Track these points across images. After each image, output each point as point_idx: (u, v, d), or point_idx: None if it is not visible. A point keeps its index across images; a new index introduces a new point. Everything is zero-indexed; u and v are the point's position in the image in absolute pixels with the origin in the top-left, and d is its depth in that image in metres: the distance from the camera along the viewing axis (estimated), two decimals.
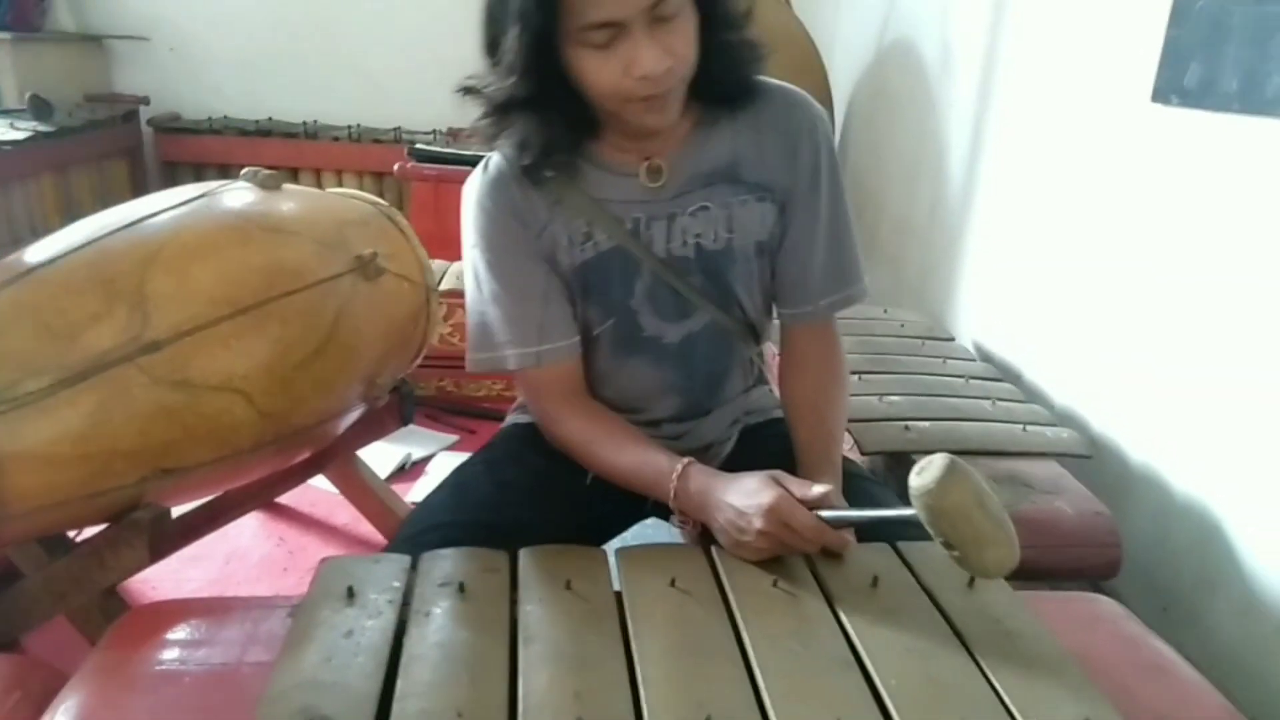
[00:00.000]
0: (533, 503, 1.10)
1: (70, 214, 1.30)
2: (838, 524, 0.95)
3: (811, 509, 0.93)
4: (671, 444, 1.17)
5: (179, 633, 0.91)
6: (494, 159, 1.08)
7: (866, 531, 1.02)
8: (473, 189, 1.08)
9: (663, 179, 1.07)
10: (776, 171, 1.09)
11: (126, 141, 3.71)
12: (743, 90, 1.06)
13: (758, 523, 0.93)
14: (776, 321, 1.21)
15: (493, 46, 0.97)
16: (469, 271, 1.10)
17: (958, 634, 0.89)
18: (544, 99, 0.97)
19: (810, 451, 1.12)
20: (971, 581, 0.98)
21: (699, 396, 1.18)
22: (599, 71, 0.94)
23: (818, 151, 1.10)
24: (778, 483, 0.95)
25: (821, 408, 1.14)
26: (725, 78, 1.03)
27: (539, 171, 1.03)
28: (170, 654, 0.88)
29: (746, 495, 0.95)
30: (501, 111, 1.00)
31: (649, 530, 1.24)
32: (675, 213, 1.08)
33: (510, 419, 1.29)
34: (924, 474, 0.87)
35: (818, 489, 0.93)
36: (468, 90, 1.02)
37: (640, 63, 0.92)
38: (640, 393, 1.17)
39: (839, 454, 1.12)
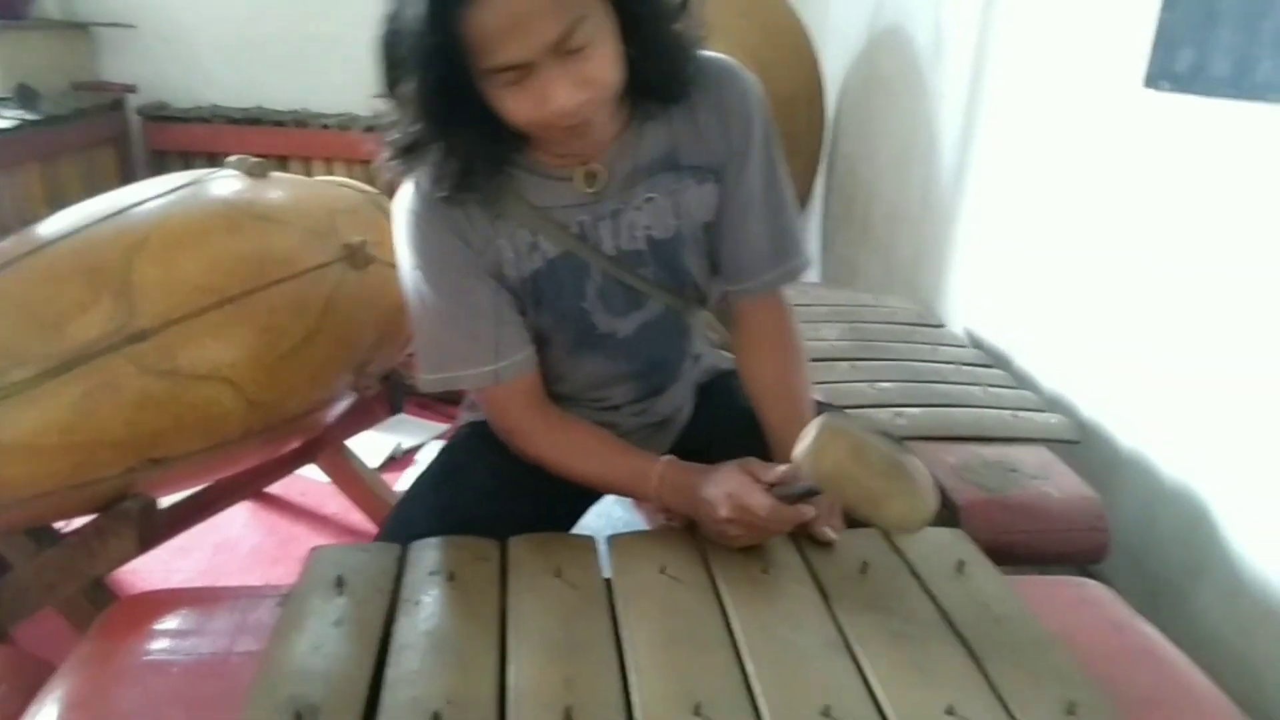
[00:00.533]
0: (494, 499, 1.09)
1: (57, 203, 1.29)
2: (794, 498, 0.93)
3: (777, 488, 0.93)
4: (634, 420, 1.20)
5: (167, 623, 0.91)
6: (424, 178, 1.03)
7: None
8: (407, 209, 1.02)
9: (599, 184, 1.04)
10: (713, 149, 1.07)
11: (114, 130, 3.67)
12: (677, 82, 1.01)
13: (721, 510, 0.95)
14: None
15: (392, 91, 0.92)
16: (412, 293, 1.05)
17: (946, 619, 0.89)
18: (452, 132, 0.93)
19: (785, 433, 1.10)
20: (961, 566, 0.98)
21: (655, 379, 1.19)
22: (515, 108, 0.90)
23: (749, 122, 1.06)
24: (743, 470, 0.95)
25: (789, 388, 1.14)
26: (658, 75, 0.98)
27: (458, 198, 0.99)
28: (159, 644, 0.88)
29: (713, 484, 0.97)
30: (409, 151, 0.95)
31: (613, 508, 1.25)
32: (620, 209, 1.05)
33: (465, 418, 1.27)
34: (801, 443, 0.87)
35: (778, 469, 0.93)
36: (372, 129, 0.98)
37: (553, 99, 0.88)
38: (597, 384, 1.17)
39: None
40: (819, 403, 1.18)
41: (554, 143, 0.98)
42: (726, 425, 1.19)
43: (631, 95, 0.99)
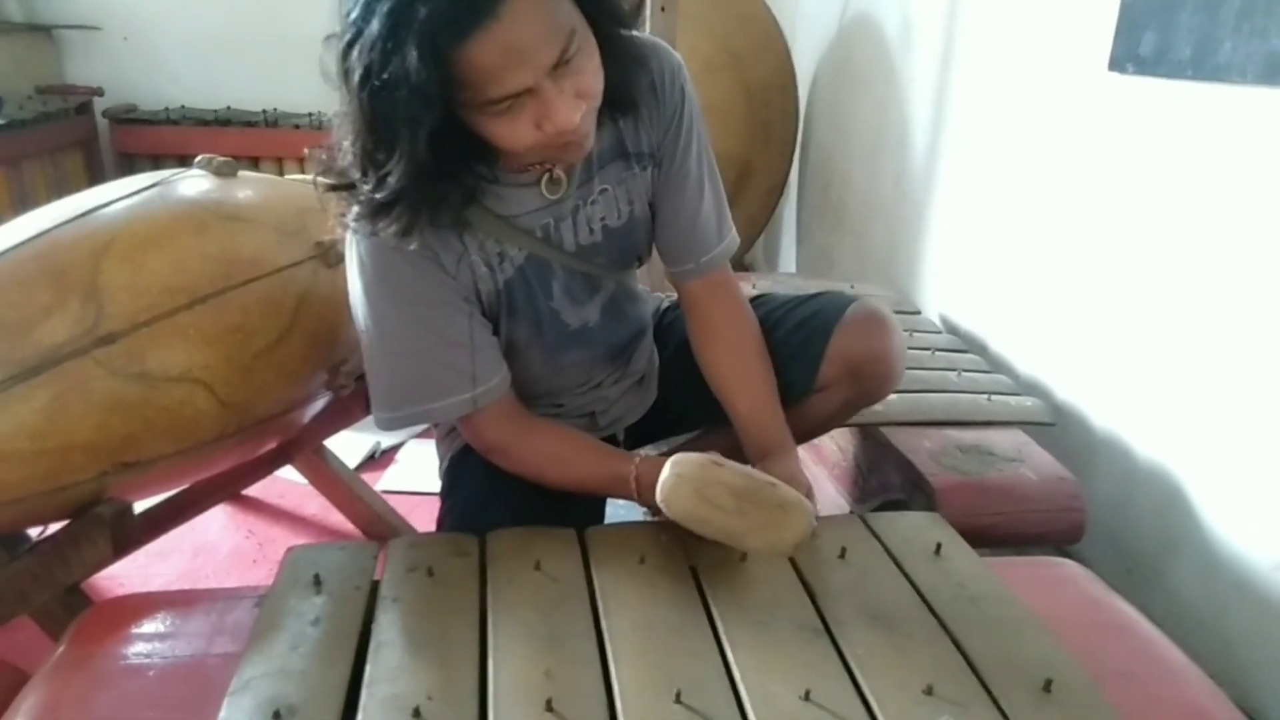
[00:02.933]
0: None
1: (24, 208, 1.27)
2: None
3: None
4: (618, 388, 1.25)
5: (143, 626, 0.91)
6: None
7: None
8: (367, 251, 0.98)
9: (563, 187, 1.04)
10: (649, 136, 1.08)
11: (81, 134, 3.62)
12: (635, 88, 1.01)
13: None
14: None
15: (375, 155, 0.87)
16: (367, 332, 1.01)
17: (925, 601, 0.90)
18: (434, 184, 0.89)
19: (754, 424, 1.14)
20: (938, 549, 0.99)
21: (625, 346, 1.24)
22: (509, 134, 0.88)
23: (681, 102, 1.07)
24: (714, 465, 0.94)
25: (749, 376, 1.16)
26: (622, 84, 0.97)
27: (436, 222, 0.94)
28: (135, 648, 0.87)
29: (671, 462, 0.96)
30: (380, 210, 0.90)
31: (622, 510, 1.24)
32: (579, 205, 1.06)
33: (448, 455, 1.24)
34: (658, 486, 0.89)
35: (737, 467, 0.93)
36: (333, 189, 0.93)
37: (554, 118, 0.86)
38: (582, 374, 1.20)
39: (780, 415, 1.15)
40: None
41: (550, 163, 0.98)
42: (691, 362, 1.21)
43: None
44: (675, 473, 0.88)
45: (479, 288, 1.04)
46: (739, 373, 1.16)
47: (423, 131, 0.83)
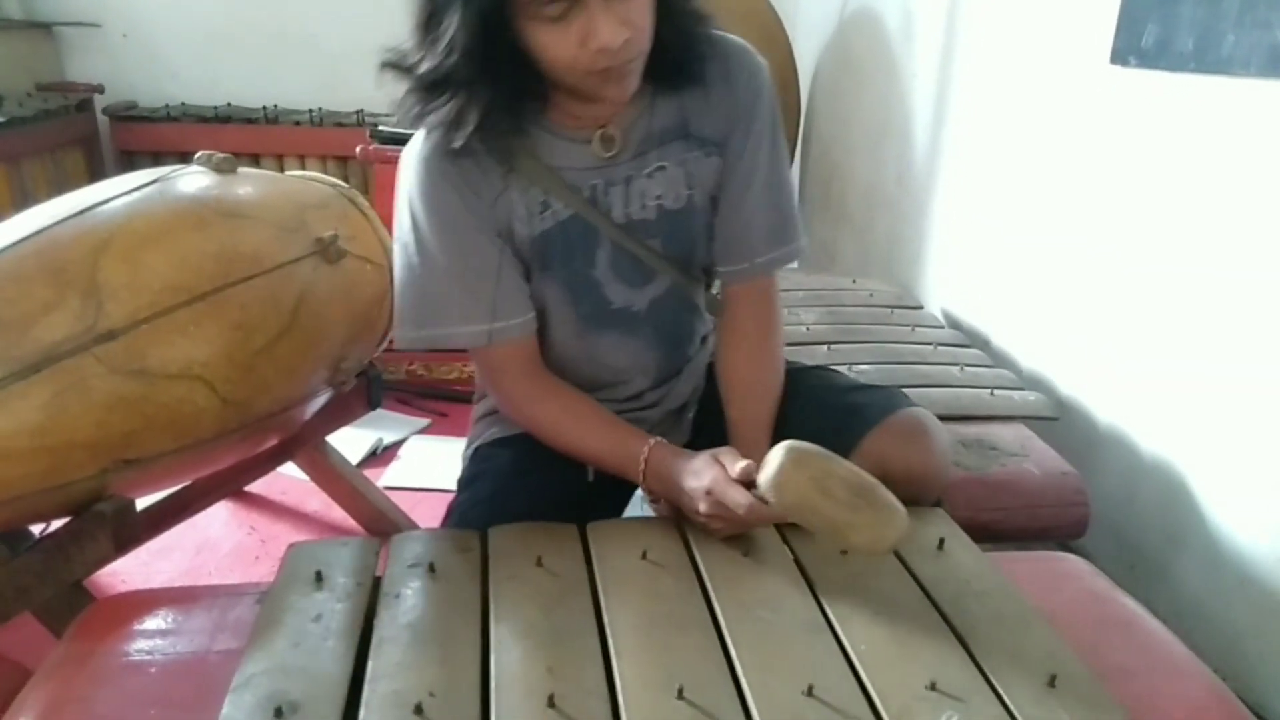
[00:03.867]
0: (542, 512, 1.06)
1: (24, 206, 1.26)
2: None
3: (749, 485, 0.91)
4: (651, 412, 1.20)
5: (145, 623, 0.90)
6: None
7: None
8: (416, 158, 1.02)
9: (615, 147, 1.05)
10: (721, 123, 1.08)
11: (81, 131, 3.62)
12: (692, 56, 1.03)
13: (701, 506, 0.95)
14: None
15: (430, 22, 0.92)
16: (403, 245, 1.04)
17: (928, 596, 0.90)
18: (483, 76, 0.92)
19: (741, 429, 1.12)
20: (941, 544, 0.98)
21: (671, 358, 1.19)
22: (554, 45, 0.90)
23: (757, 100, 1.09)
24: (718, 461, 0.94)
25: (752, 384, 1.14)
26: (676, 46, 1.00)
27: (472, 148, 0.98)
28: (137, 645, 0.87)
29: (692, 476, 0.96)
30: (432, 90, 0.94)
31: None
32: (632, 175, 1.07)
33: (475, 442, 1.23)
34: (764, 471, 0.87)
35: (741, 465, 0.92)
36: (390, 65, 0.97)
37: (597, 35, 0.88)
38: (617, 366, 1.16)
39: (770, 428, 1.12)
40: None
41: (584, 95, 0.97)
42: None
43: (647, 68, 1.00)
44: (793, 459, 0.85)
45: (514, 229, 1.05)
46: (748, 379, 1.14)
47: (474, 12, 0.88)
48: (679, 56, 1.01)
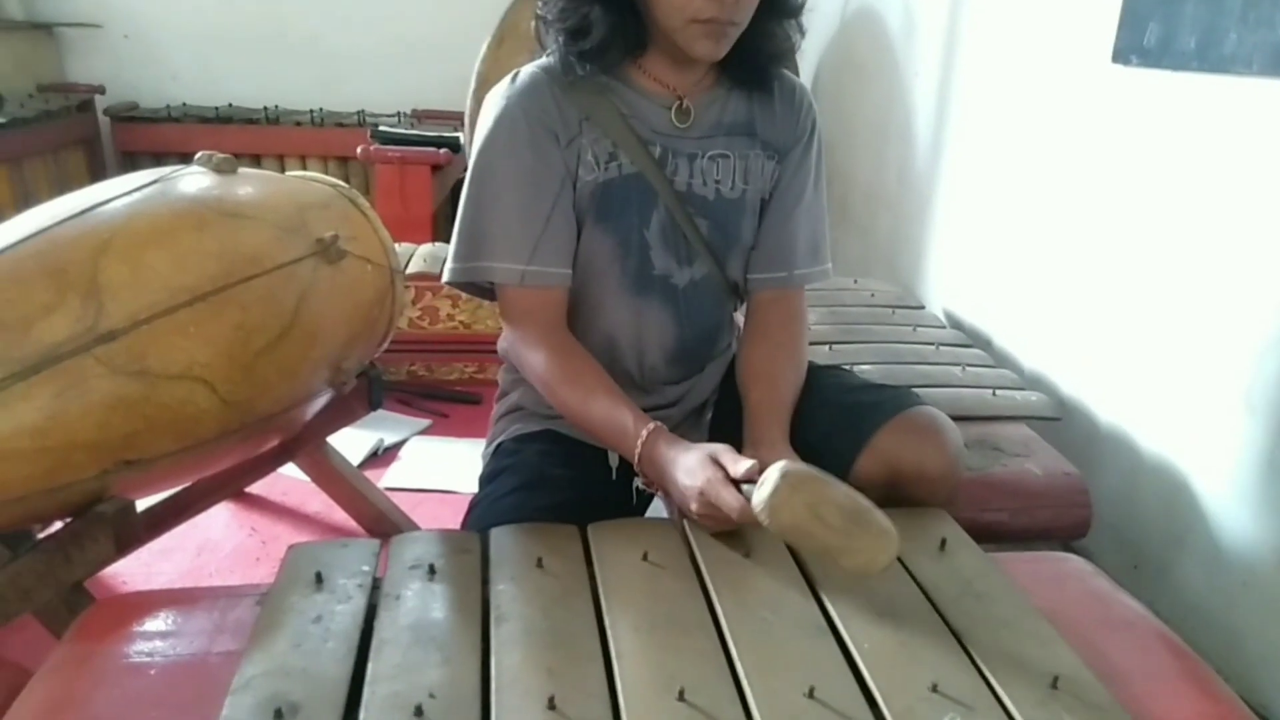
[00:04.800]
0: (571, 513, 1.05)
1: (25, 207, 1.26)
2: None
3: (747, 482, 0.90)
4: (673, 410, 1.22)
5: (145, 624, 0.90)
6: (525, 70, 1.10)
7: None
8: (502, 94, 1.09)
9: (690, 120, 1.12)
10: (782, 135, 1.17)
11: (83, 132, 3.63)
12: (771, 64, 1.13)
13: (693, 505, 0.95)
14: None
15: None
16: (477, 172, 1.10)
17: (929, 597, 0.89)
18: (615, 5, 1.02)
19: (760, 413, 1.11)
20: (943, 545, 0.98)
21: (697, 348, 1.22)
22: None
23: (814, 130, 1.19)
24: (714, 461, 0.94)
25: (774, 374, 1.15)
26: (763, 48, 1.09)
27: (588, 63, 1.05)
28: (136, 646, 0.87)
29: (686, 474, 0.96)
30: (579, 23, 1.03)
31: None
32: (697, 153, 1.13)
33: (497, 439, 1.24)
34: (759, 491, 0.86)
35: (743, 465, 0.91)
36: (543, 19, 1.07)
37: None
38: (649, 335, 1.18)
39: (788, 418, 1.12)
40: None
41: (677, 48, 1.04)
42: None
43: (729, 63, 1.09)
44: (789, 484, 0.85)
45: (579, 174, 1.10)
46: (770, 369, 1.15)
47: None
48: (762, 61, 1.12)
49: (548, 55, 1.11)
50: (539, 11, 1.09)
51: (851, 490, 0.88)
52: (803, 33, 1.14)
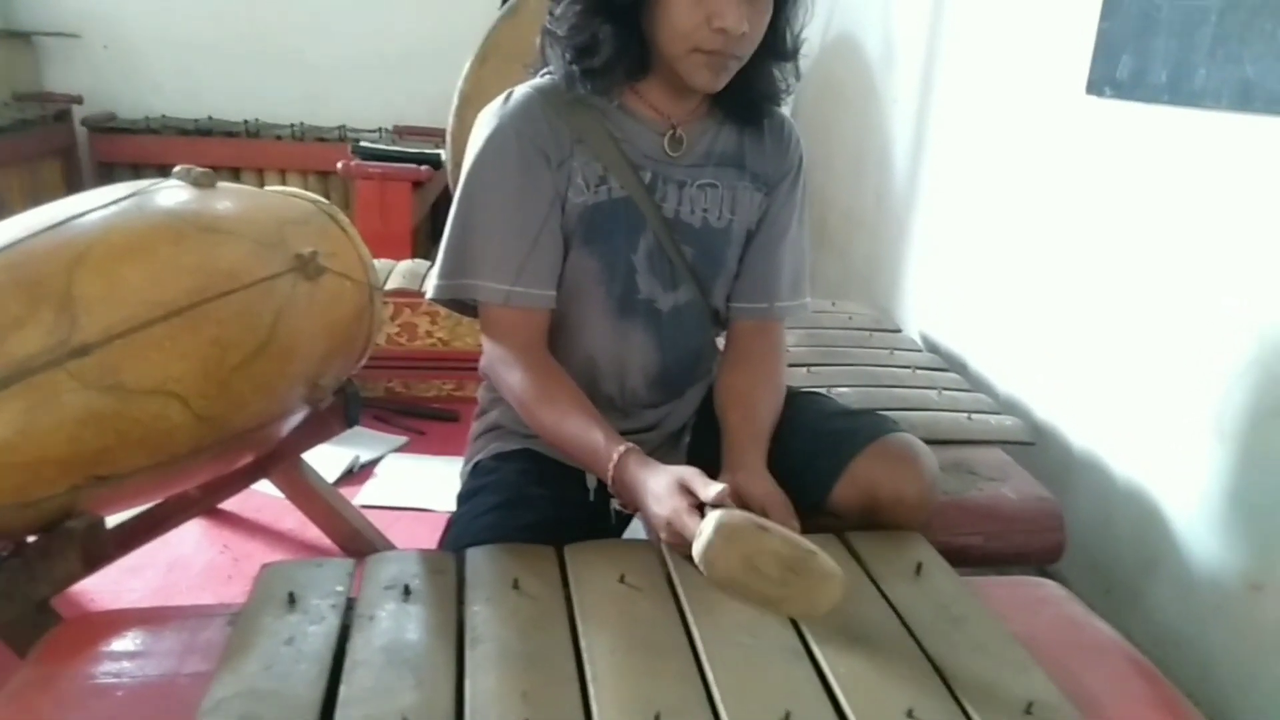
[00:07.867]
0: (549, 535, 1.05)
1: (0, 218, 1.25)
2: None
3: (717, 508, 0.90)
4: (651, 435, 1.22)
5: (113, 644, 0.89)
6: (518, 90, 1.11)
7: (811, 520, 1.02)
8: (494, 113, 1.09)
9: (682, 149, 1.13)
10: (771, 169, 1.19)
11: (60, 142, 3.60)
12: (765, 101, 1.15)
13: (662, 534, 0.96)
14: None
15: None
16: (462, 194, 1.10)
17: (904, 622, 0.90)
18: (620, 19, 1.03)
19: (738, 437, 1.12)
20: (919, 569, 0.99)
21: (678, 373, 1.23)
22: (684, 13, 1.00)
23: (801, 168, 1.21)
24: (682, 489, 0.94)
25: (753, 399, 1.15)
26: (759, 85, 1.11)
27: (590, 82, 1.06)
28: (103, 667, 0.85)
29: (655, 501, 0.96)
30: (594, 11, 1.03)
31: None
32: (686, 181, 1.14)
33: (474, 457, 1.24)
34: (696, 542, 0.87)
35: (713, 489, 0.91)
36: (551, 34, 1.08)
37: (725, 16, 0.98)
38: (631, 359, 1.18)
39: (766, 442, 1.12)
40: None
41: (678, 76, 1.06)
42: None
43: (725, 96, 1.11)
44: (724, 536, 0.85)
45: (569, 196, 1.10)
46: (749, 392, 1.16)
47: None
48: (755, 97, 1.13)
49: (545, 74, 1.12)
50: (547, 26, 1.09)
51: (791, 535, 0.88)
52: (798, 77, 1.16)
